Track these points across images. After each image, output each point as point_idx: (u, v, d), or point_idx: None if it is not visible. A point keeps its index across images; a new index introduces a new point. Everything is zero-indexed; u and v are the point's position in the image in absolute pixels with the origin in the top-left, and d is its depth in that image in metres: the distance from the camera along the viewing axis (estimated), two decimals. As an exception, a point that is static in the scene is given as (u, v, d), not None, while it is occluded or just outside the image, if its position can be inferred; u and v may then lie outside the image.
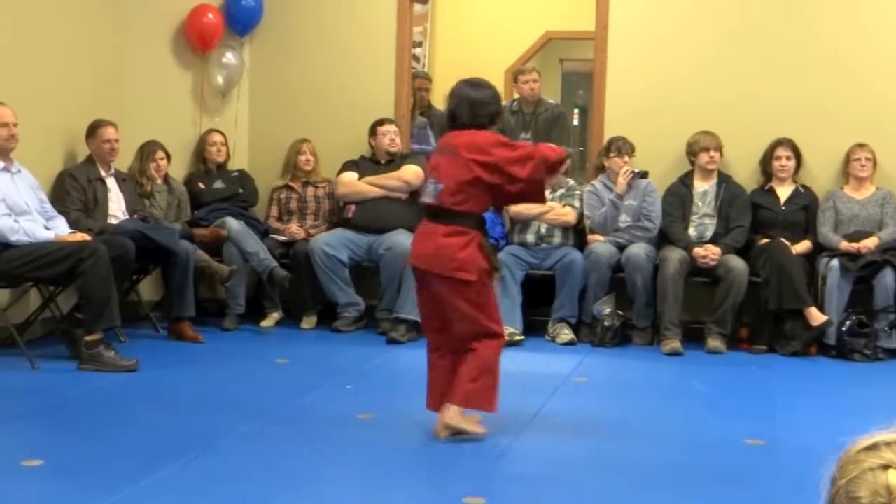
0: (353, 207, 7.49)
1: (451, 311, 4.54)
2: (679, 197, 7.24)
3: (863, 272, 6.79)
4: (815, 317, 6.66)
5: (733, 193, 7.20)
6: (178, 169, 7.59)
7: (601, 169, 7.41)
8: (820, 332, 6.72)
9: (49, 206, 6.22)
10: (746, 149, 7.32)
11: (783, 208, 7.18)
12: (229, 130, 7.86)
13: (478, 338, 4.51)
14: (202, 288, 7.45)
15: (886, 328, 6.74)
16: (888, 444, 1.37)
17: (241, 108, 8.05)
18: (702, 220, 7.18)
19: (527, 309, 7.05)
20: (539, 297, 7.19)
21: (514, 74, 8.46)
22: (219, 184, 7.61)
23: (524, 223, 7.23)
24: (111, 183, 6.79)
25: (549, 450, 4.49)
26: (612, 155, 7.24)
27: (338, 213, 7.70)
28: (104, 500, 3.62)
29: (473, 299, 4.50)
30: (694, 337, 6.92)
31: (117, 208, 6.76)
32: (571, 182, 7.45)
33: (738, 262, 6.89)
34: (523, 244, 7.22)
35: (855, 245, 6.86)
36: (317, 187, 7.72)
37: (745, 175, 7.38)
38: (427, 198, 4.60)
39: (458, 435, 4.49)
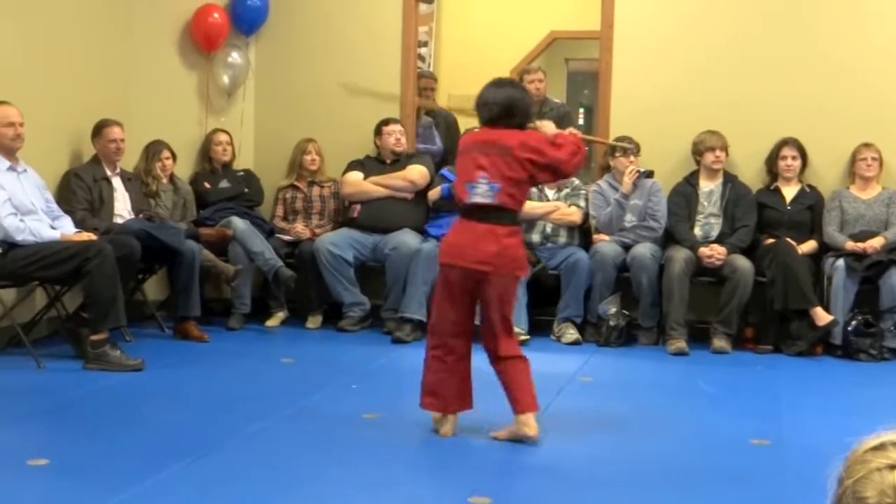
0: (358, 207, 7.49)
1: (496, 311, 4.54)
2: (684, 197, 7.23)
3: (869, 272, 6.79)
4: (821, 317, 6.65)
5: (739, 193, 7.20)
6: (184, 168, 7.60)
7: (606, 168, 7.41)
8: (826, 332, 6.71)
9: (55, 206, 6.23)
10: (752, 148, 7.31)
11: (789, 208, 7.17)
12: (235, 130, 7.87)
13: (503, 335, 4.56)
14: (208, 287, 7.46)
15: (892, 328, 6.74)
16: (895, 443, 1.37)
17: (247, 107, 8.06)
18: (707, 220, 7.18)
19: (532, 308, 7.05)
20: (544, 296, 7.19)
21: (520, 74, 8.44)
22: (224, 183, 7.62)
23: (529, 223, 7.23)
24: (117, 182, 6.80)
25: (554, 449, 4.48)
26: (617, 154, 7.24)
27: (343, 213, 7.71)
28: (110, 500, 3.62)
29: (514, 297, 4.69)
30: (699, 337, 6.92)
31: (123, 208, 6.77)
32: (577, 181, 7.44)
33: (743, 262, 6.89)
34: (528, 244, 7.22)
35: (861, 245, 6.85)
36: (322, 187, 7.72)
37: (751, 175, 7.38)
38: (480, 198, 4.46)
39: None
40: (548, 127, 4.82)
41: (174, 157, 7.27)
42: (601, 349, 6.86)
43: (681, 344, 6.75)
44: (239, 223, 7.23)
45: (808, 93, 7.27)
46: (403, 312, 6.99)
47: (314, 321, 7.37)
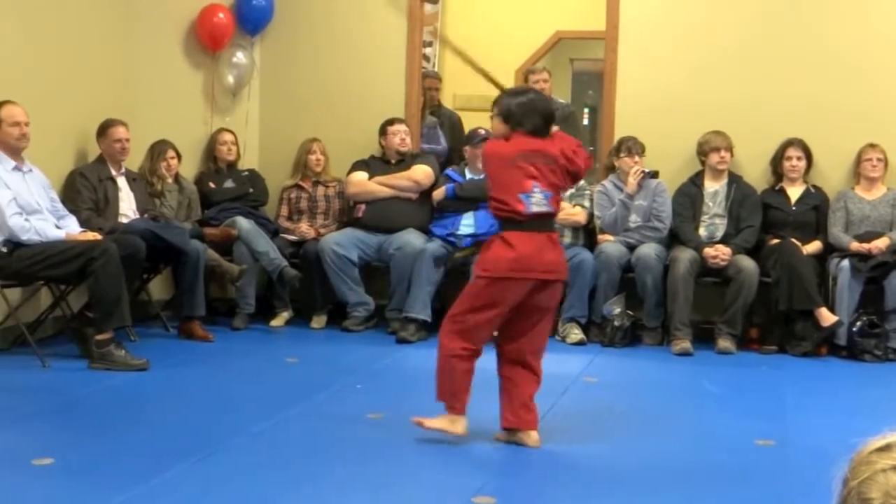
0: (363, 207, 7.50)
1: (549, 320, 4.68)
2: (689, 197, 7.23)
3: (873, 273, 6.78)
4: (826, 317, 6.65)
5: (744, 193, 7.19)
6: (189, 168, 7.61)
7: (611, 169, 7.41)
8: (830, 333, 6.71)
9: (60, 206, 6.24)
10: (757, 149, 7.31)
11: (794, 208, 7.16)
12: (240, 130, 7.87)
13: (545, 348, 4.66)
14: (212, 287, 7.46)
15: (897, 328, 6.74)
16: (900, 445, 1.37)
17: (252, 107, 8.07)
18: (712, 221, 7.17)
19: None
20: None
21: (525, 74, 8.45)
22: (229, 183, 7.62)
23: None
24: (122, 182, 6.80)
25: (559, 449, 4.48)
26: (622, 155, 7.23)
27: (348, 213, 7.71)
28: (114, 499, 3.62)
29: None
30: (704, 337, 6.91)
31: (128, 207, 6.77)
32: (582, 182, 7.43)
33: (748, 263, 6.88)
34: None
35: (866, 245, 6.84)
36: (327, 187, 7.72)
37: (756, 175, 7.37)
38: (537, 207, 4.48)
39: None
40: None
41: (179, 156, 7.27)
42: (606, 349, 6.86)
43: (685, 344, 6.75)
44: (244, 223, 7.23)
45: (814, 93, 7.26)
46: (408, 312, 6.99)
47: (319, 321, 7.38)
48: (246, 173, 7.78)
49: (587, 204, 7.33)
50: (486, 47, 10.10)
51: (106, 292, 5.79)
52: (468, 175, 7.43)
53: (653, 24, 7.55)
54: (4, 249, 5.81)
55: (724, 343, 6.81)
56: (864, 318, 6.72)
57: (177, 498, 3.72)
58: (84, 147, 6.89)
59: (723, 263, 6.91)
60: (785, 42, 7.34)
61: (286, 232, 7.57)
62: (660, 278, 6.95)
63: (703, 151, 7.25)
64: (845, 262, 6.81)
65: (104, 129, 6.71)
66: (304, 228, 7.52)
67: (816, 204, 7.18)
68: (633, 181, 7.10)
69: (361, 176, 7.54)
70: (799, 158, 7.17)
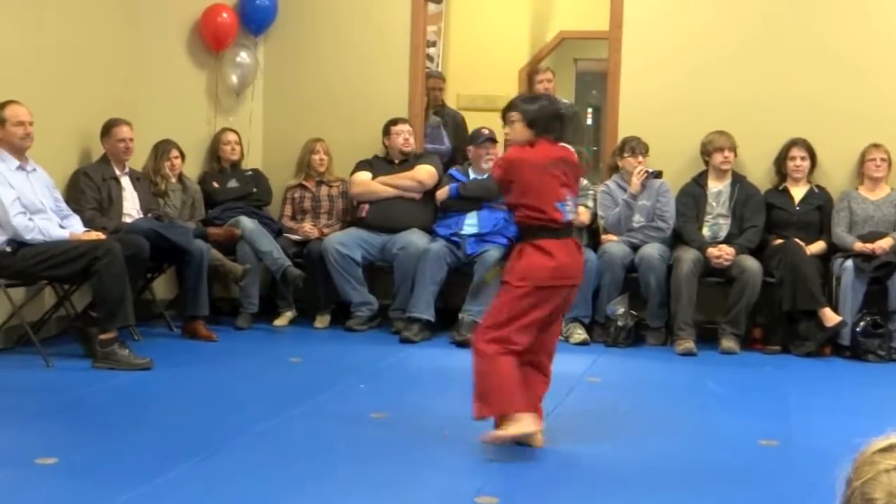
0: (366, 207, 7.50)
1: (560, 317, 4.77)
2: (693, 197, 7.22)
3: (877, 273, 6.78)
4: (830, 317, 6.64)
5: (747, 193, 7.19)
6: (193, 168, 7.61)
7: (615, 169, 7.40)
8: (834, 333, 6.70)
9: (64, 205, 6.25)
10: (761, 149, 7.30)
11: (797, 209, 7.16)
12: (243, 129, 7.88)
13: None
14: (216, 287, 7.47)
15: (901, 329, 6.73)
16: (903, 445, 1.37)
17: (255, 107, 8.07)
18: (716, 221, 7.17)
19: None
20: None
21: (529, 74, 8.44)
22: (233, 183, 7.63)
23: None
24: (126, 182, 6.81)
25: (562, 449, 4.48)
26: (625, 155, 7.23)
27: (351, 213, 7.71)
28: (118, 498, 3.63)
29: None
30: (707, 337, 6.91)
31: (132, 207, 6.78)
32: (585, 182, 7.43)
33: (752, 263, 6.88)
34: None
35: (869, 246, 6.83)
36: (330, 186, 7.73)
37: (760, 175, 7.36)
38: (570, 215, 4.56)
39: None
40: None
41: (183, 156, 7.28)
42: (609, 349, 6.85)
43: (689, 344, 6.74)
44: (247, 223, 7.23)
45: (818, 93, 7.26)
46: (411, 312, 6.99)
47: (322, 321, 7.38)
48: (249, 173, 7.79)
49: (591, 204, 7.32)
50: (490, 47, 10.17)
51: (110, 292, 5.79)
52: (472, 175, 7.43)
53: (657, 23, 7.55)
54: (8, 249, 5.82)
55: (728, 343, 6.81)
56: (868, 319, 6.72)
57: (180, 497, 3.72)
58: (88, 147, 6.90)
59: (726, 263, 6.91)
60: (789, 42, 7.33)
61: (290, 232, 7.58)
62: (663, 278, 6.95)
63: (706, 151, 7.24)
64: (849, 263, 6.80)
65: (108, 129, 6.72)
66: (308, 228, 7.52)
67: (820, 204, 7.17)
68: (636, 181, 7.10)
69: (365, 176, 7.55)
70: (803, 158, 7.16)
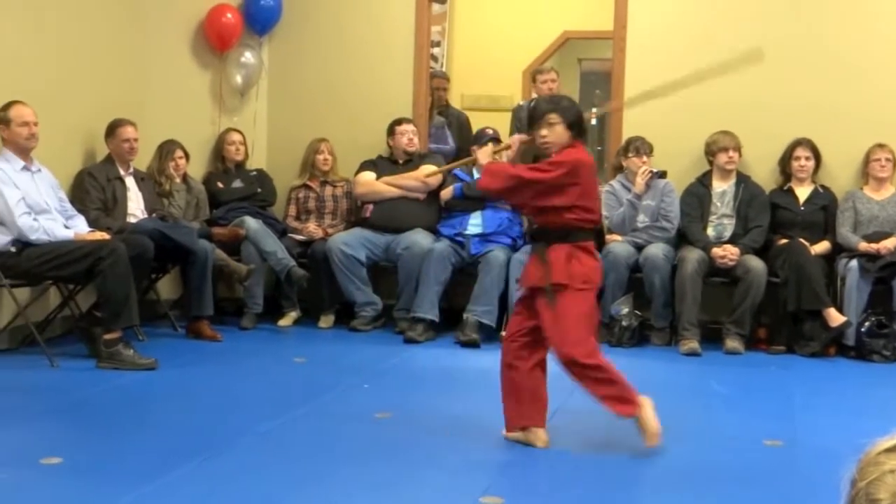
0: (370, 207, 7.50)
1: None
2: (697, 197, 7.22)
3: (882, 273, 6.77)
4: (834, 317, 6.64)
5: (752, 193, 7.18)
6: (197, 168, 7.62)
7: (619, 169, 7.40)
8: (839, 333, 6.70)
9: (68, 205, 6.25)
10: (765, 149, 7.30)
11: (802, 208, 7.15)
12: (248, 130, 7.88)
13: None
14: (220, 287, 7.48)
15: (906, 329, 6.72)
16: (908, 445, 1.36)
17: (260, 107, 8.08)
18: (720, 221, 7.16)
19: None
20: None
21: (533, 74, 8.44)
22: (237, 183, 7.63)
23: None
24: (130, 182, 6.81)
25: (566, 449, 4.48)
26: (630, 155, 7.23)
27: (356, 213, 7.72)
28: (122, 498, 3.63)
29: None
30: (712, 337, 6.91)
31: (136, 207, 6.78)
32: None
33: (756, 263, 6.87)
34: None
35: (874, 246, 6.83)
36: (335, 187, 7.73)
37: (764, 175, 7.36)
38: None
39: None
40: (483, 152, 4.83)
41: (187, 156, 7.29)
42: (613, 349, 6.84)
43: (693, 344, 6.74)
44: (252, 223, 7.24)
45: (822, 93, 7.25)
46: (416, 312, 7.00)
47: (326, 321, 7.38)
48: (254, 173, 7.79)
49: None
50: (494, 47, 10.17)
51: (114, 292, 5.80)
52: (476, 174, 7.42)
53: (661, 23, 7.55)
54: (13, 249, 5.83)
55: (733, 343, 6.80)
56: (873, 319, 6.71)
57: (184, 497, 3.72)
58: (92, 147, 6.90)
59: (731, 263, 6.91)
60: (792, 42, 7.32)
61: (294, 232, 7.58)
62: (668, 278, 6.94)
63: (711, 151, 7.24)
64: (854, 263, 6.80)
65: (112, 129, 6.72)
66: (312, 228, 7.52)
67: (825, 204, 7.17)
68: (641, 181, 7.10)
69: (369, 176, 7.55)
70: (807, 158, 7.16)
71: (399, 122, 7.61)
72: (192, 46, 7.78)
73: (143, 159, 7.11)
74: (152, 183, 7.07)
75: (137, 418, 4.88)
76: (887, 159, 7.08)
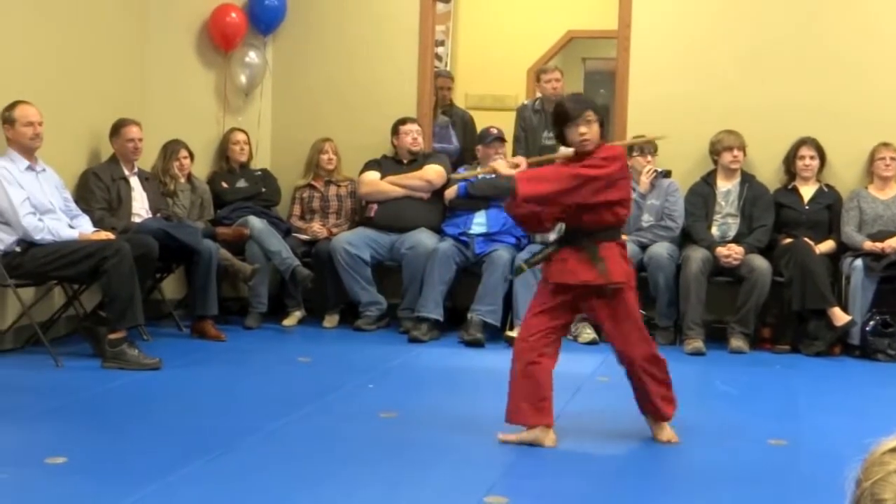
0: (375, 207, 7.50)
1: None
2: (702, 196, 7.22)
3: (887, 272, 6.76)
4: (839, 317, 6.63)
5: (756, 193, 7.17)
6: (202, 168, 7.62)
7: (623, 168, 7.39)
8: (844, 332, 6.69)
9: (73, 205, 6.26)
10: (770, 148, 7.29)
11: (807, 208, 7.15)
12: (252, 129, 7.88)
13: None
14: (225, 286, 7.48)
15: (911, 328, 6.71)
16: (913, 445, 1.36)
17: (264, 107, 8.08)
18: (725, 220, 7.16)
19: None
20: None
21: (537, 73, 8.45)
22: (242, 183, 7.64)
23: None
24: (135, 182, 6.82)
25: (571, 449, 4.48)
26: (634, 154, 7.22)
27: (360, 213, 7.72)
28: (127, 498, 3.63)
29: None
30: (717, 337, 6.90)
31: (141, 207, 6.79)
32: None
33: (761, 262, 6.87)
34: (545, 243, 7.19)
35: (879, 245, 6.82)
36: (339, 186, 7.73)
37: (769, 174, 7.35)
38: None
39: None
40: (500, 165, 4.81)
41: (192, 156, 7.29)
42: (618, 349, 6.84)
43: (698, 344, 6.73)
44: (256, 222, 7.24)
45: (827, 92, 7.24)
46: (420, 312, 7.00)
47: (331, 320, 7.38)
48: (258, 173, 7.80)
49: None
50: (498, 46, 10.16)
51: (119, 291, 5.80)
52: (481, 175, 7.42)
53: (665, 23, 7.54)
54: (18, 249, 5.84)
55: (737, 342, 6.80)
56: (878, 318, 6.71)
57: (189, 496, 3.72)
58: (97, 147, 6.91)
59: (735, 263, 6.90)
60: (798, 41, 7.32)
61: (298, 231, 7.58)
62: (672, 277, 6.94)
63: (715, 151, 7.24)
64: (858, 262, 6.79)
65: (117, 129, 6.73)
66: (317, 228, 7.53)
67: (829, 203, 7.16)
68: (645, 180, 7.10)
69: (373, 175, 7.55)
70: (812, 157, 7.15)
71: (403, 121, 7.61)
72: (197, 46, 7.78)
73: (148, 159, 7.12)
74: (157, 183, 7.08)
75: (142, 418, 4.88)
76: (892, 158, 7.07)
